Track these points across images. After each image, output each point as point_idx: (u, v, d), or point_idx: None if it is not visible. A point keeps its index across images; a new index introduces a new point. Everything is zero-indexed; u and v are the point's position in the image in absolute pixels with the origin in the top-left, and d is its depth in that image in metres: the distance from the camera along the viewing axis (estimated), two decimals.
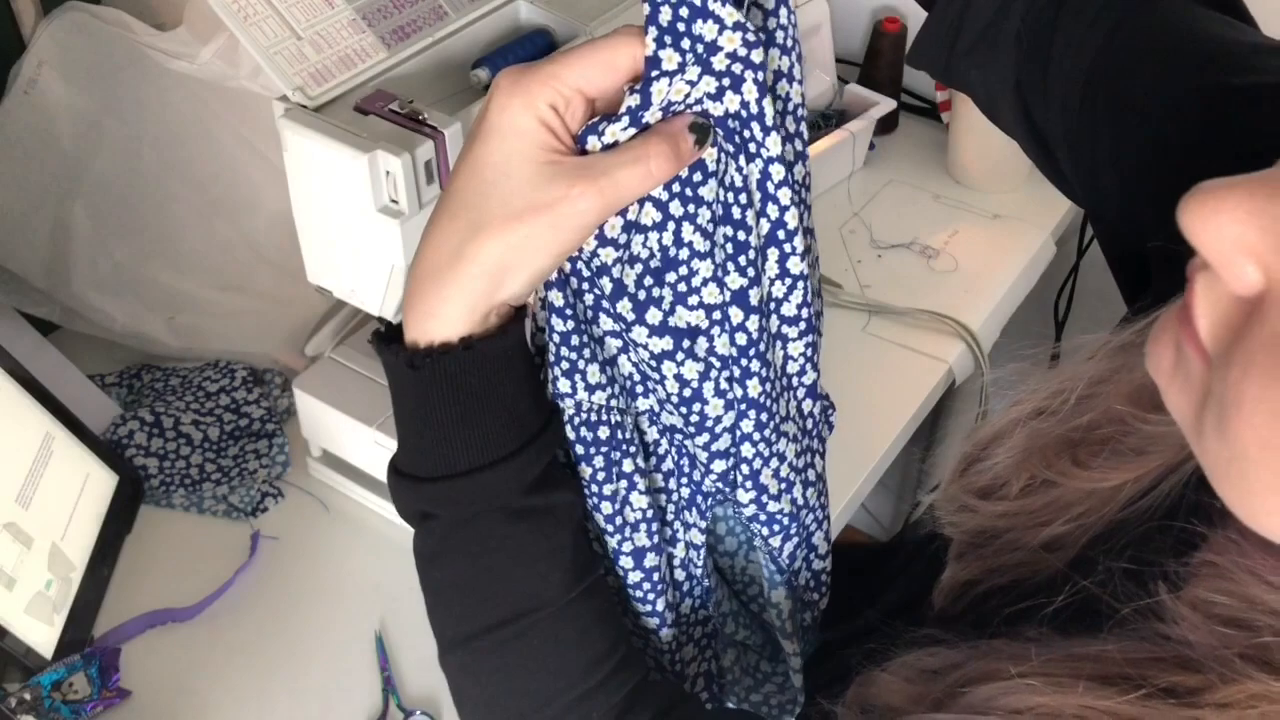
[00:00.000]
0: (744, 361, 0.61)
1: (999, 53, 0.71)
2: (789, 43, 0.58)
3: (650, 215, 0.56)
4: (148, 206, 1.07)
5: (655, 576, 0.66)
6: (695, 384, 0.60)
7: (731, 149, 0.57)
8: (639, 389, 0.62)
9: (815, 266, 0.66)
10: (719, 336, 0.60)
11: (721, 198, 0.58)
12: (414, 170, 0.74)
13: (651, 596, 0.66)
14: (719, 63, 0.53)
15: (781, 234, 0.59)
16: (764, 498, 0.65)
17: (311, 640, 0.89)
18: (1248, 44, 0.61)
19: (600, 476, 0.62)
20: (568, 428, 0.61)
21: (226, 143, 1.09)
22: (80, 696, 0.81)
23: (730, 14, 0.52)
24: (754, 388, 0.61)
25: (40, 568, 0.85)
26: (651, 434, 0.64)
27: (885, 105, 1.36)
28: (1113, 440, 0.56)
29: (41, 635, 0.83)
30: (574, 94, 0.52)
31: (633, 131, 0.53)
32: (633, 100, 0.53)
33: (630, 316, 0.58)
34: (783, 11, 0.57)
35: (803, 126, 0.61)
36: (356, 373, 0.96)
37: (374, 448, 0.93)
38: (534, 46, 0.87)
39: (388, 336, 0.57)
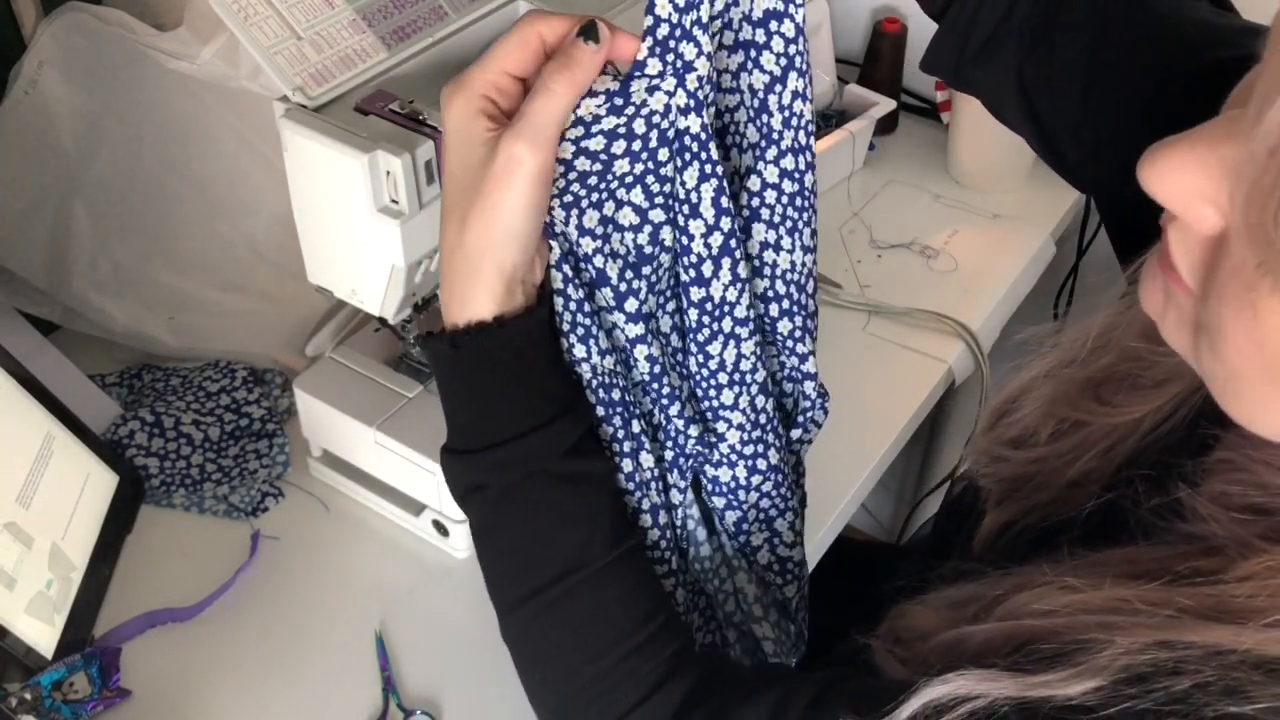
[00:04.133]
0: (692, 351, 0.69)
1: (1003, 53, 0.75)
2: (793, 60, 0.63)
3: (629, 217, 0.63)
4: (148, 206, 1.07)
5: (669, 534, 0.71)
6: (660, 364, 0.68)
7: (681, 163, 0.62)
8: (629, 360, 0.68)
9: (812, 271, 0.71)
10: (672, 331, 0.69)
11: (678, 207, 0.64)
12: (414, 170, 0.74)
13: (668, 554, 0.72)
14: (690, 82, 0.60)
15: (733, 243, 0.65)
16: (706, 464, 0.73)
17: (311, 640, 0.89)
18: (1240, 26, 0.67)
19: (620, 435, 0.68)
20: (586, 391, 0.66)
21: (227, 143, 1.09)
22: (81, 696, 0.81)
23: (706, 43, 0.59)
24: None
25: (41, 567, 0.85)
26: (645, 403, 0.70)
27: (885, 105, 1.36)
28: (1132, 376, 0.62)
29: (42, 635, 0.83)
30: (500, 76, 0.59)
31: (606, 108, 0.59)
32: (612, 85, 0.59)
33: (611, 302, 0.65)
34: (777, 36, 0.62)
35: (810, 140, 0.65)
36: (357, 373, 0.96)
37: (374, 448, 0.93)
38: None
39: (433, 336, 0.64)
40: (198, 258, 1.09)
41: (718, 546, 0.77)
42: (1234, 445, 0.53)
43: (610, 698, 0.64)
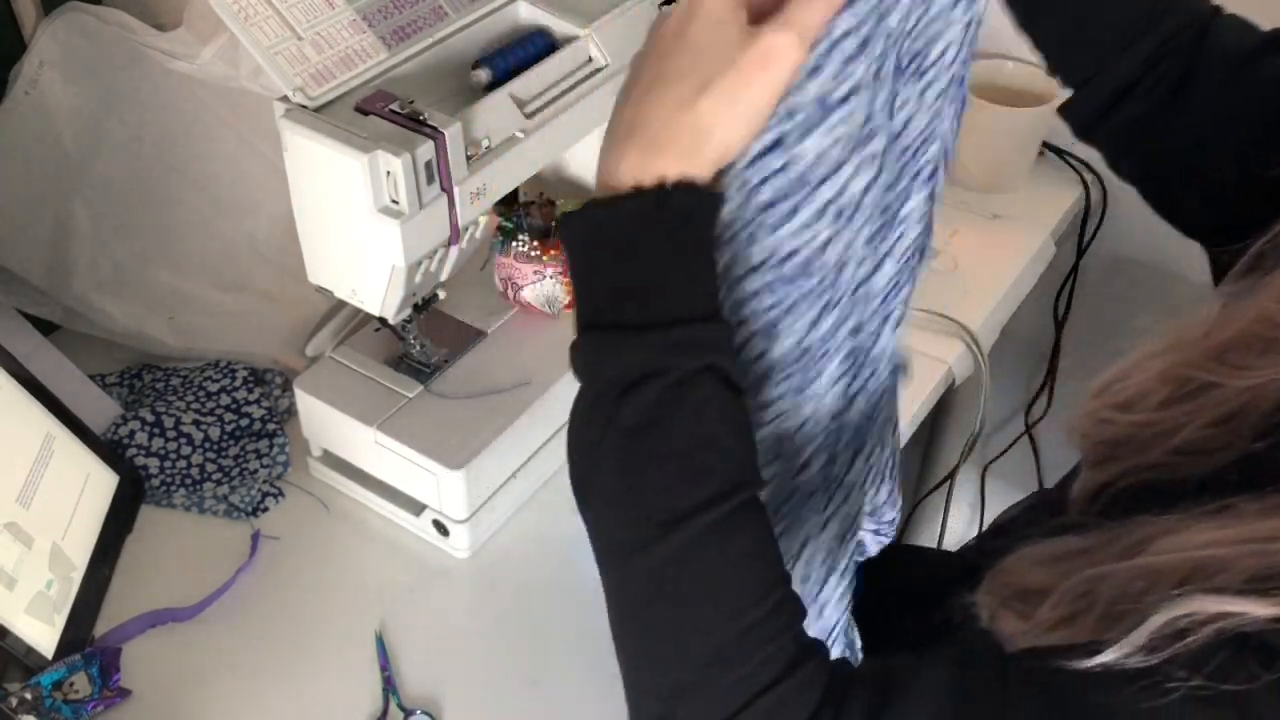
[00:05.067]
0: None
1: (1134, 111, 0.78)
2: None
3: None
4: (148, 206, 1.07)
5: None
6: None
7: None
8: None
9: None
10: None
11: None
12: (414, 170, 0.74)
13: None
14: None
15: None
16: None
17: (311, 640, 0.89)
18: None
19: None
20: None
21: (227, 143, 1.09)
22: (81, 696, 0.81)
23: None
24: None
25: (41, 567, 0.85)
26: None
27: None
28: (1265, 340, 0.59)
29: (42, 635, 0.83)
30: None
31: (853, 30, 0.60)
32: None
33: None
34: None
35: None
36: (357, 373, 0.96)
37: (374, 448, 0.93)
38: (534, 46, 0.87)
39: (585, 209, 0.58)
40: (198, 258, 1.09)
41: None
42: None
43: (776, 645, 0.56)
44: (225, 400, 1.04)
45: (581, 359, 0.58)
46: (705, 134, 0.56)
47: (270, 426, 1.03)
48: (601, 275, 0.58)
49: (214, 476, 1.00)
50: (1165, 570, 0.53)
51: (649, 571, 0.57)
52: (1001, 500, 1.24)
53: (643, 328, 0.56)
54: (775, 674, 0.55)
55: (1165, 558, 0.53)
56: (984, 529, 0.96)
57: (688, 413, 0.56)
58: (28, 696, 0.78)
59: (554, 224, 1.01)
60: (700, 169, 0.57)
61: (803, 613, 0.58)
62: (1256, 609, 0.49)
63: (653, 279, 0.57)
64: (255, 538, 0.94)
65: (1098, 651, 0.51)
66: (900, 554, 1.09)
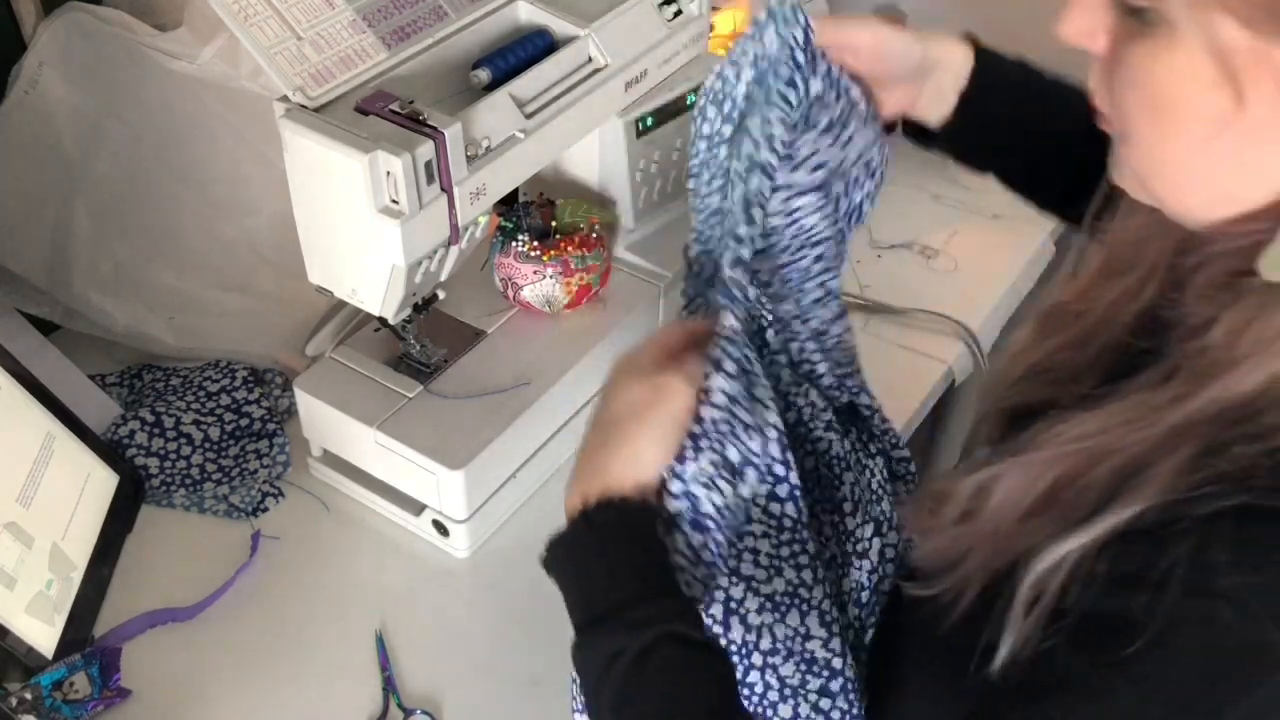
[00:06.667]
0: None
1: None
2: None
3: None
4: (148, 207, 1.07)
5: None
6: None
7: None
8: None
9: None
10: None
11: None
12: (414, 170, 0.74)
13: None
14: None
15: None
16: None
17: (312, 640, 0.89)
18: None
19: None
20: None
21: (227, 143, 1.09)
22: (81, 696, 0.81)
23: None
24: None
25: (41, 567, 0.85)
26: None
27: None
28: (1114, 265, 0.69)
29: (42, 635, 0.83)
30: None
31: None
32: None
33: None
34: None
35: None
36: (357, 373, 0.96)
37: (374, 448, 0.93)
38: (534, 47, 0.87)
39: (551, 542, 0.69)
40: (198, 258, 1.09)
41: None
42: (1202, 262, 0.59)
43: None
44: (225, 400, 1.04)
45: (575, 658, 0.67)
46: (616, 456, 0.68)
47: (270, 426, 1.03)
48: (569, 587, 0.68)
49: (214, 476, 1.00)
50: (1044, 463, 0.59)
51: None
52: None
53: (599, 620, 0.66)
54: None
55: (1044, 452, 0.59)
56: None
57: (653, 681, 0.64)
58: (28, 696, 0.78)
59: (554, 224, 1.01)
60: (619, 486, 0.67)
61: None
62: (1080, 539, 0.56)
63: (595, 579, 0.67)
64: (255, 538, 0.94)
65: (994, 648, 0.58)
66: None
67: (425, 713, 0.84)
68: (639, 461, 0.68)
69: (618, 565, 0.67)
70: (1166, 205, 0.59)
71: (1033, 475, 0.60)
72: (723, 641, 0.75)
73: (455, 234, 0.82)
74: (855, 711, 0.76)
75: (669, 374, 0.69)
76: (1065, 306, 0.72)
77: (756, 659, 0.75)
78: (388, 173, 0.74)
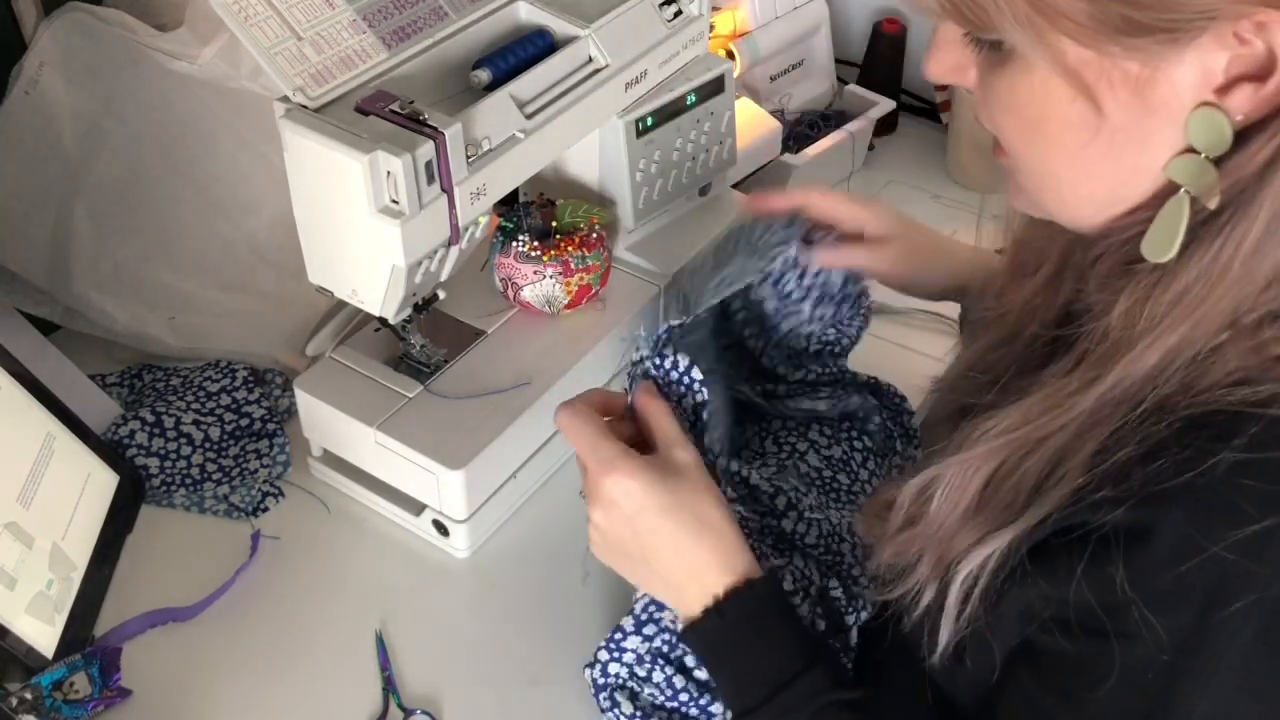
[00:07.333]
0: None
1: None
2: None
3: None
4: (149, 207, 1.07)
5: None
6: None
7: None
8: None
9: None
10: None
11: None
12: (414, 170, 0.74)
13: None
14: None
15: None
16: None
17: (312, 640, 0.89)
18: None
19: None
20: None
21: (227, 143, 1.09)
22: (81, 696, 0.81)
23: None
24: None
25: (41, 567, 0.85)
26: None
27: (884, 106, 1.36)
28: (1020, 268, 0.75)
29: (42, 635, 0.83)
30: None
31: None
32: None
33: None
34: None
35: None
36: (357, 373, 0.96)
37: (374, 448, 0.93)
38: (534, 47, 0.87)
39: (702, 621, 0.71)
40: (198, 258, 1.09)
41: None
42: (1100, 254, 0.62)
43: None
44: (225, 400, 1.04)
45: None
46: (700, 547, 0.71)
47: (270, 426, 1.03)
48: (721, 676, 0.72)
49: (214, 476, 1.00)
50: (977, 460, 0.62)
51: None
52: None
53: (763, 704, 0.68)
54: None
55: (976, 450, 0.62)
56: None
57: None
58: (28, 696, 0.78)
59: (554, 224, 1.01)
60: (732, 575, 0.70)
61: None
62: (996, 543, 0.59)
63: (744, 667, 0.70)
64: (255, 538, 0.94)
65: (937, 642, 0.63)
66: None
67: (425, 713, 0.84)
68: (720, 541, 0.71)
69: (767, 648, 0.70)
70: (1061, 218, 0.63)
71: (968, 473, 0.62)
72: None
73: (455, 234, 0.82)
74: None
75: (656, 458, 0.72)
76: (988, 309, 0.76)
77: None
78: (388, 173, 0.74)
